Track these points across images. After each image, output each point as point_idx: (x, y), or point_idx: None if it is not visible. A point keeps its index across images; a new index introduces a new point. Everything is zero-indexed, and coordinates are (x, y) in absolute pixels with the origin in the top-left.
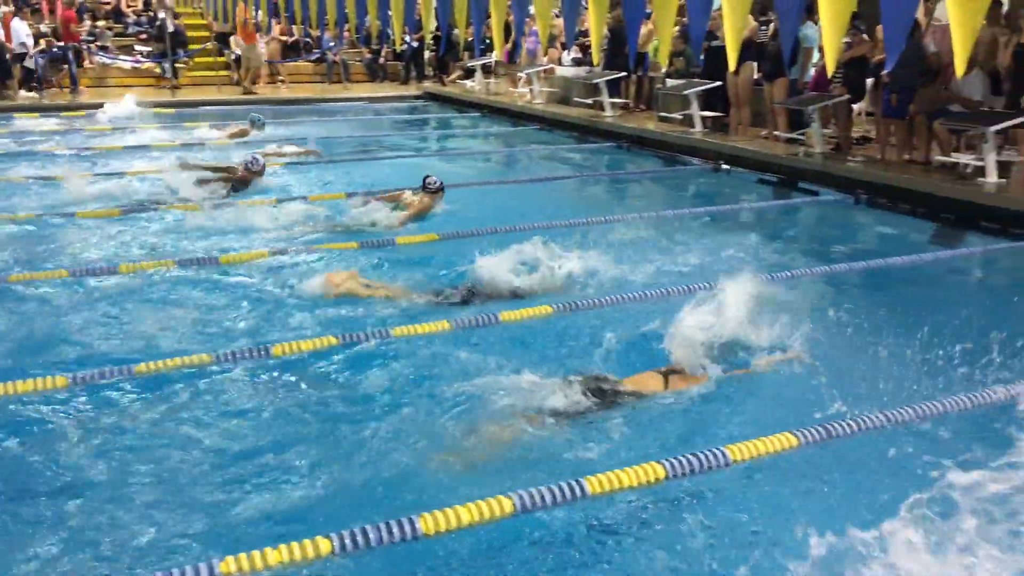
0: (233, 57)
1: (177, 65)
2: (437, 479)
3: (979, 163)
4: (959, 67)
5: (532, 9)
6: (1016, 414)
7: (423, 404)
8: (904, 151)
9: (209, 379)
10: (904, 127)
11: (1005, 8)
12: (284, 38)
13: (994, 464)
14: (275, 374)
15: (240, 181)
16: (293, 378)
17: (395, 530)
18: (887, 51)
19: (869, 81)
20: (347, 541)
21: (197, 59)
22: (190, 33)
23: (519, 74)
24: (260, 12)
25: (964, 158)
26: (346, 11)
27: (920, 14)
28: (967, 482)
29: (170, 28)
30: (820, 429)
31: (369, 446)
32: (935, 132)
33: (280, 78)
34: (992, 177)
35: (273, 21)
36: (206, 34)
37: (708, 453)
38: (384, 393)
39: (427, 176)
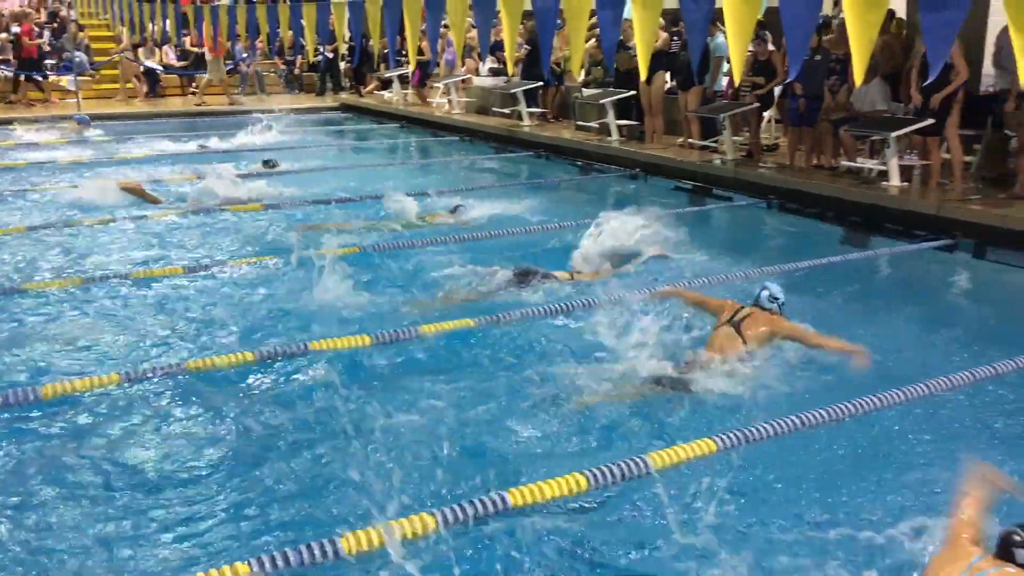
0: (142, 69)
1: (82, 78)
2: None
3: (882, 168)
4: (858, 76)
5: (446, 20)
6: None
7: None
8: (812, 157)
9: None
10: (812, 134)
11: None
12: (195, 49)
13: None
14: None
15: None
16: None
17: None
18: (790, 60)
19: (777, 90)
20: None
21: (104, 71)
22: (97, 45)
23: (437, 85)
24: (168, 22)
25: (868, 163)
26: (257, 22)
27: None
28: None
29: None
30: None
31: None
32: (841, 138)
33: (192, 89)
34: (895, 181)
35: (182, 32)
36: (112, 46)
37: (629, 461)
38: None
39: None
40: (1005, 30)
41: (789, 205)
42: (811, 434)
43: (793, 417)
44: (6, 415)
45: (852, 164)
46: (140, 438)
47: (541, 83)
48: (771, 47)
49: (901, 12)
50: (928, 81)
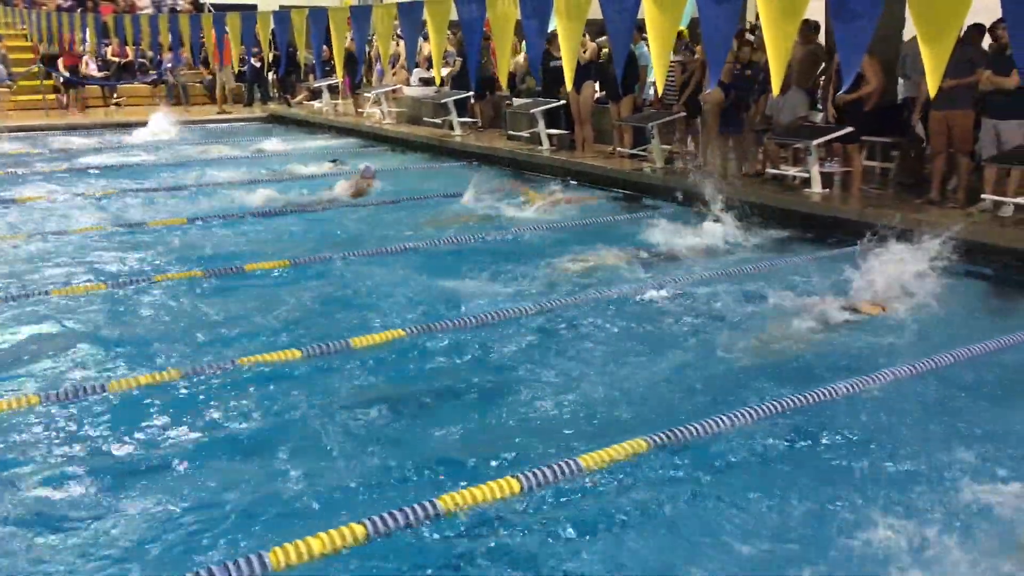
0: (61, 80)
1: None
2: None
3: (805, 175)
4: (775, 85)
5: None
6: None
7: None
8: (739, 165)
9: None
10: (739, 142)
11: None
12: (117, 59)
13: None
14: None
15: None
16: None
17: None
18: (709, 69)
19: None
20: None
21: (22, 83)
22: (14, 56)
23: (367, 95)
24: (88, 31)
25: (792, 170)
26: (180, 31)
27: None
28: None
29: None
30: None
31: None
32: (764, 146)
33: (115, 101)
34: (817, 188)
35: (103, 42)
36: (30, 56)
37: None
38: None
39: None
40: (912, 40)
41: (716, 212)
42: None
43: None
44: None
45: (776, 171)
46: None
47: (470, 93)
48: (696, 56)
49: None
50: (842, 91)
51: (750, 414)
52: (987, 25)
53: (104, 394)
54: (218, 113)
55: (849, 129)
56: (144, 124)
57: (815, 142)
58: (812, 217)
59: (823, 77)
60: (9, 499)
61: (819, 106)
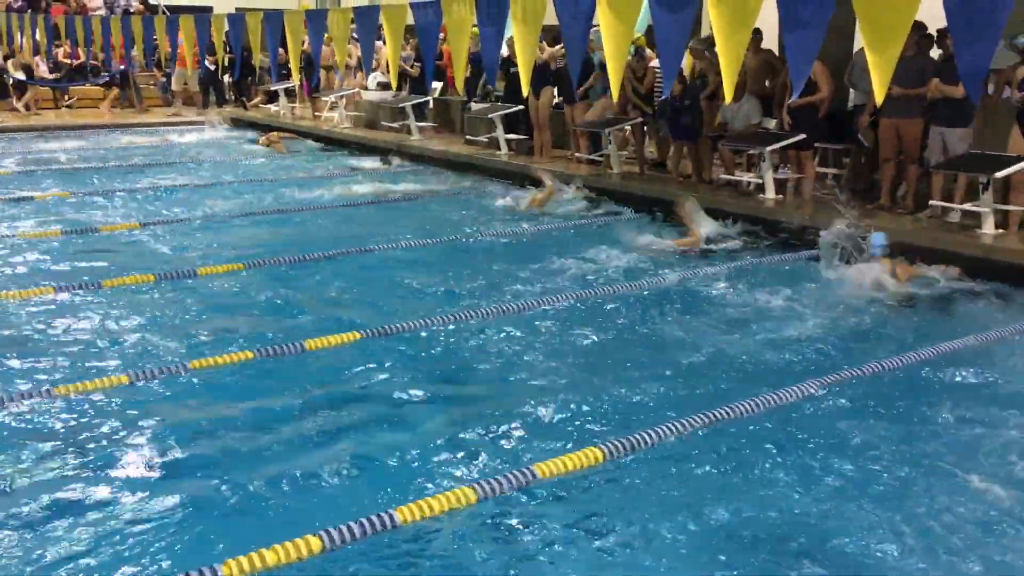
0: (12, 82)
1: None
2: None
3: (759, 181)
4: (727, 93)
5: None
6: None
7: None
8: (699, 171)
9: None
10: (694, 149)
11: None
12: (68, 61)
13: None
14: None
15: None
16: None
17: None
18: (663, 78)
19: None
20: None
21: None
22: None
23: (324, 98)
24: (39, 32)
25: (746, 176)
26: (133, 33)
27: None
28: None
29: None
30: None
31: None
32: (720, 152)
33: (67, 103)
34: (770, 193)
35: (54, 44)
36: None
37: (518, 473)
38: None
39: None
40: (860, 51)
41: (672, 217)
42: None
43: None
44: None
45: (730, 177)
46: None
47: (428, 97)
48: (655, 64)
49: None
50: (792, 98)
51: (722, 414)
52: (935, 35)
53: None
54: (172, 115)
55: (802, 136)
56: (101, 126)
57: (769, 148)
58: (764, 221)
59: (776, 85)
60: None
61: (773, 113)
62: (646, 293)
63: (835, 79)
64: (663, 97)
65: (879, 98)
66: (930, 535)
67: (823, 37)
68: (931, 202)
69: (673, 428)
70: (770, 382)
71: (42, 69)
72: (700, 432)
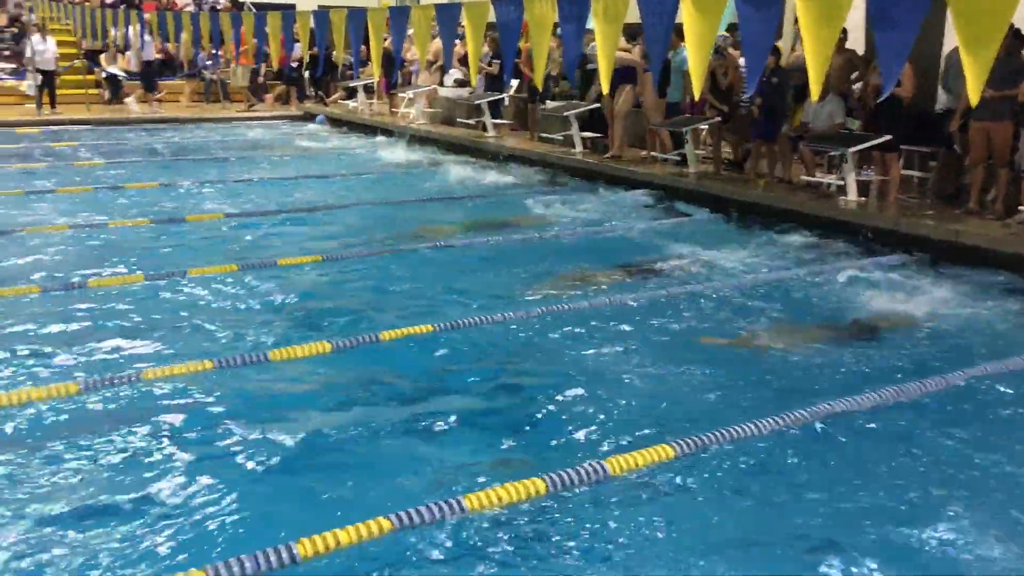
0: (104, 75)
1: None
2: None
3: (840, 182)
4: (813, 91)
5: (410, 31)
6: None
7: None
8: (773, 171)
9: None
10: (772, 149)
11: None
12: (159, 55)
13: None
14: None
15: None
16: None
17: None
18: (748, 77)
19: None
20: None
21: (65, 77)
22: (60, 51)
23: (402, 95)
24: (131, 28)
25: (827, 178)
26: (221, 29)
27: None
28: None
29: (39, 47)
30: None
31: None
32: (800, 153)
33: (156, 97)
34: (852, 196)
35: (146, 38)
36: (74, 51)
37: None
38: None
39: None
40: (954, 51)
41: (750, 218)
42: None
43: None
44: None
45: (811, 179)
46: None
47: (503, 95)
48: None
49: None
50: (881, 98)
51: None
52: None
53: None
54: (248, 109)
55: (888, 137)
56: (186, 120)
57: (852, 149)
58: (846, 224)
59: (858, 84)
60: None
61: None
62: (716, 293)
63: (921, 80)
64: (748, 95)
65: (974, 100)
66: None
67: (915, 37)
68: (1021, 207)
69: (750, 428)
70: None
71: (132, 64)
72: (785, 433)
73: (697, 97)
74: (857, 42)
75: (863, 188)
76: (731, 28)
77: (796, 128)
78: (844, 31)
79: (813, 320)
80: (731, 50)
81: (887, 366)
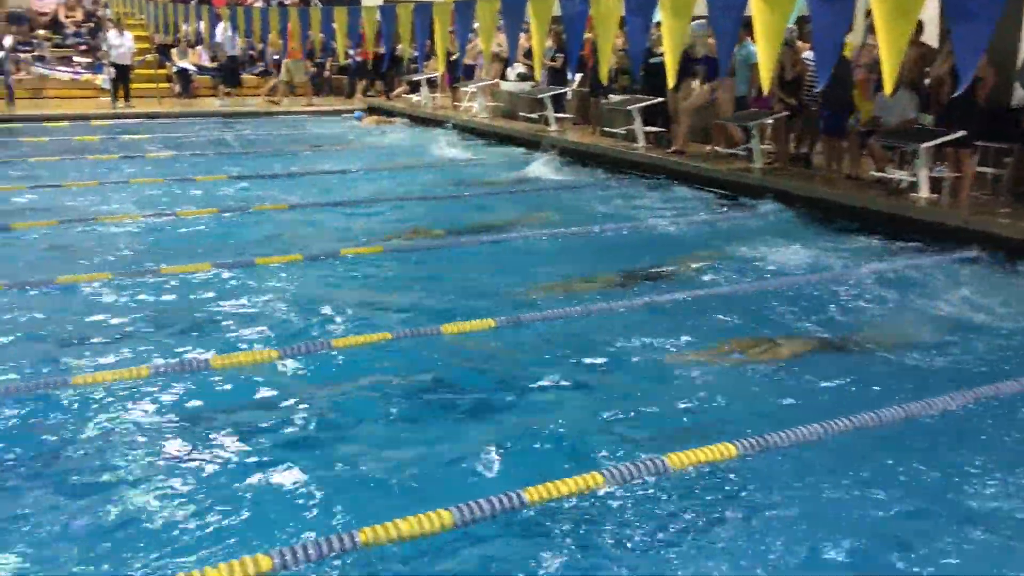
0: (175, 70)
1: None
2: None
3: (912, 179)
4: (887, 85)
5: (476, 25)
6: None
7: None
8: (841, 167)
9: None
10: (840, 144)
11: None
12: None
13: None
14: None
15: None
16: None
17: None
18: (818, 71)
19: None
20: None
21: (137, 71)
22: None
23: (465, 88)
24: (202, 23)
25: (898, 174)
26: (289, 24)
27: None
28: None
29: (115, 42)
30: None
31: None
32: (870, 148)
33: (225, 91)
34: (925, 192)
35: (228, 33)
36: (147, 46)
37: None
38: None
39: None
40: None
41: (816, 215)
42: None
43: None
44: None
45: (881, 175)
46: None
47: (567, 88)
48: (809, 54)
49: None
50: (957, 92)
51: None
52: None
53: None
54: (275, 104)
55: (962, 133)
56: (253, 114)
57: (925, 145)
58: (918, 222)
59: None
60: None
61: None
62: (781, 290)
63: (997, 74)
64: (817, 89)
65: None
66: None
67: (992, 30)
68: None
69: (816, 430)
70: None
71: (203, 58)
72: (855, 434)
73: (766, 91)
74: (931, 35)
75: (935, 185)
76: (799, 20)
77: (866, 123)
78: (920, 24)
79: (883, 319)
80: (798, 42)
81: (960, 367)
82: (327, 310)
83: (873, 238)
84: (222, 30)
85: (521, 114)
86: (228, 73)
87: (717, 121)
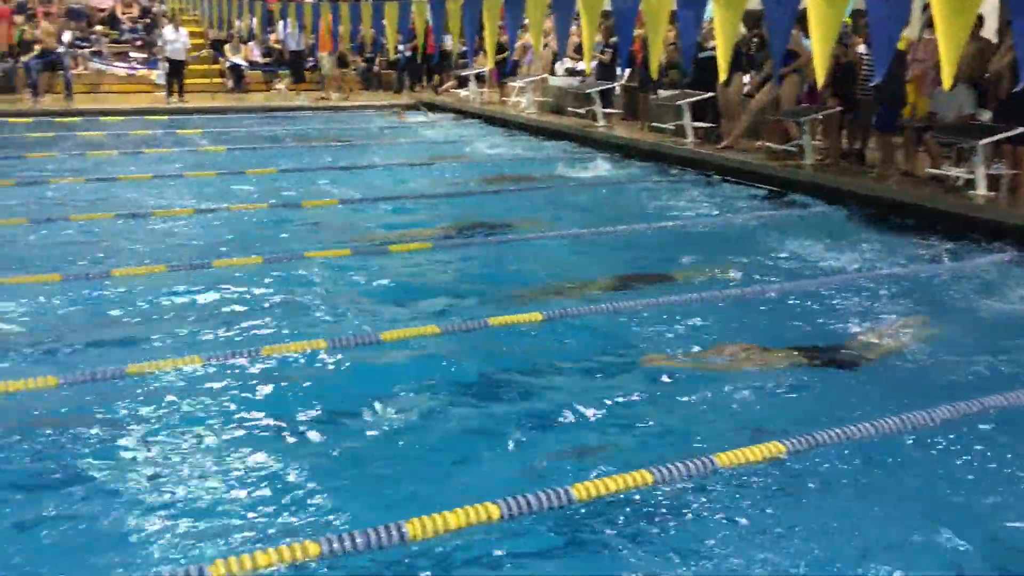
0: (228, 65)
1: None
2: None
3: (969, 176)
4: (946, 80)
5: (525, 20)
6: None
7: None
8: (895, 163)
9: None
10: (891, 139)
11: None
12: (278, 45)
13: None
14: None
15: None
16: None
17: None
18: (875, 64)
19: None
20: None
21: (191, 67)
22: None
23: (513, 83)
24: (255, 19)
25: (954, 171)
26: (321, 20)
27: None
28: None
29: (170, 38)
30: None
31: None
32: (926, 144)
33: (276, 86)
34: (982, 190)
35: (268, 29)
36: (201, 41)
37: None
38: None
39: None
40: None
41: (869, 212)
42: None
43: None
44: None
45: (937, 171)
46: None
47: (615, 84)
48: (862, 48)
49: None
50: (1017, 88)
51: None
52: None
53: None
54: (325, 99)
55: (1021, 129)
56: (302, 108)
57: (983, 141)
58: (975, 220)
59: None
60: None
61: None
62: (832, 289)
63: None
64: (873, 83)
65: None
66: None
67: None
68: None
69: (867, 428)
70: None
71: (255, 54)
72: (905, 434)
73: (821, 86)
74: (990, 30)
75: (993, 182)
76: (854, 14)
77: (922, 118)
78: (980, 17)
79: (935, 318)
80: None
81: (1013, 368)
82: (375, 303)
83: (930, 236)
84: (284, 26)
85: (569, 109)
86: (292, 68)
87: (770, 116)
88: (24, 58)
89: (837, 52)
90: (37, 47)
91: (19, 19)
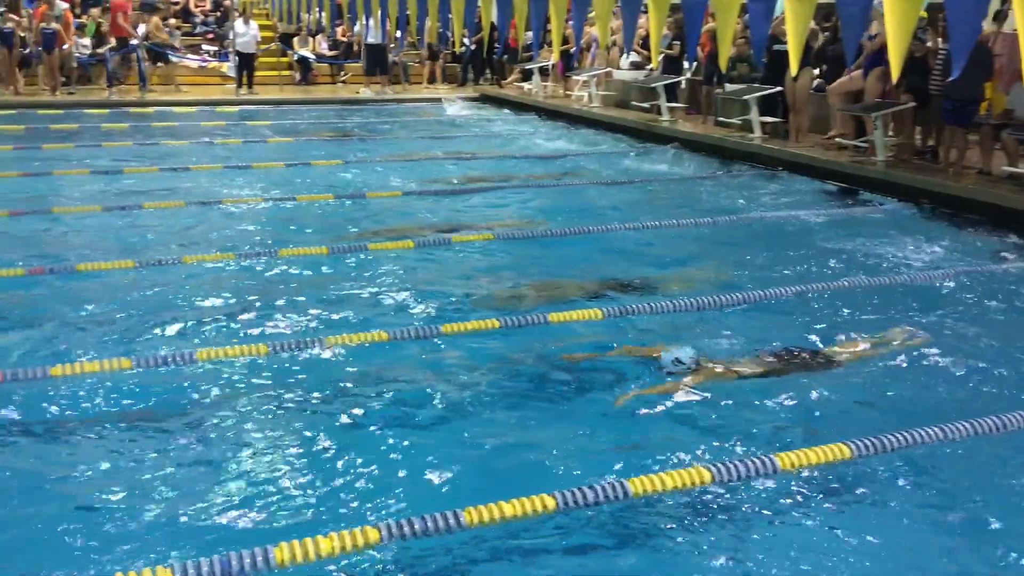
0: (296, 58)
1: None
2: None
3: None
4: None
5: (592, 13)
6: None
7: None
8: (963, 159)
9: None
10: (964, 135)
11: None
12: (345, 39)
13: None
14: None
15: None
16: None
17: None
18: (953, 59)
19: None
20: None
21: (260, 59)
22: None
23: (577, 77)
24: (323, 13)
25: None
26: (407, 13)
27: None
28: None
29: (240, 31)
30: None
31: None
32: (1003, 141)
33: (342, 79)
34: None
35: (335, 22)
36: (270, 35)
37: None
38: None
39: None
40: None
41: (943, 210)
42: None
43: None
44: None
45: (1014, 170)
46: None
47: (680, 77)
48: (940, 41)
49: None
50: None
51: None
52: None
53: None
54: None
55: None
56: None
57: None
58: None
59: None
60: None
61: None
62: (902, 288)
63: None
64: (950, 79)
65: None
66: None
67: None
68: None
69: (935, 432)
70: None
71: (323, 46)
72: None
73: (895, 81)
74: None
75: None
76: (929, 8)
77: (999, 115)
78: None
79: (1005, 321)
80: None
81: None
82: (436, 295)
83: (1008, 235)
84: (326, 18)
85: (633, 103)
86: (372, 61)
87: (838, 110)
88: (100, 50)
89: (912, 47)
90: (113, 40)
91: (95, 11)
